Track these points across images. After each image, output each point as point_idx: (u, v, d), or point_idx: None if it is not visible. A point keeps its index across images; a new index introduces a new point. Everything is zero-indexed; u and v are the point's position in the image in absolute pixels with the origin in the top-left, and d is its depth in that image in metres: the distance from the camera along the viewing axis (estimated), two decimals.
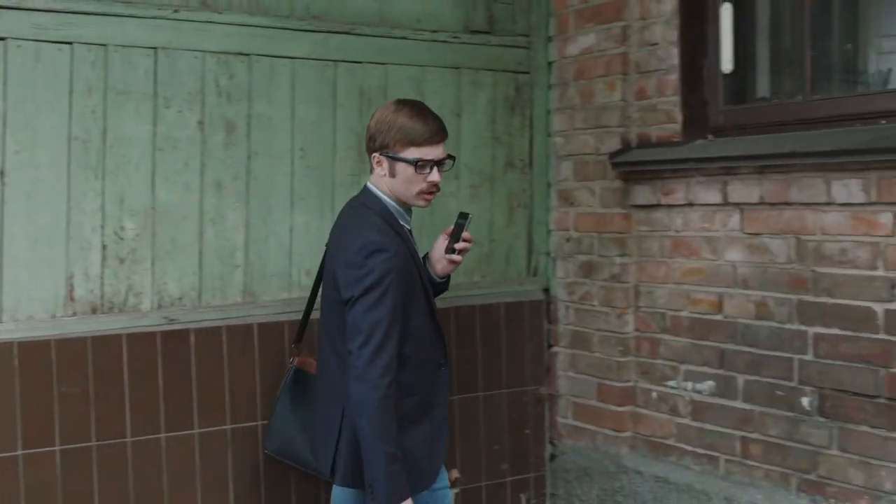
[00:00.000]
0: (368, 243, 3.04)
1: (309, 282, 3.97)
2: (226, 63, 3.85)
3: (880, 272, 3.30)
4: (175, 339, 3.74)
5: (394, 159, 3.12)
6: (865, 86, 4.02)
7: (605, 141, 4.25)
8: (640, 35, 4.14)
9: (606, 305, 4.26)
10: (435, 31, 4.28)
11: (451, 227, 3.38)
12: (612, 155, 4.17)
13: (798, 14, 3.81)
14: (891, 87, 3.89)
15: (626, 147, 4.17)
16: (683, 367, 4.00)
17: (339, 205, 3.99)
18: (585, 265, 4.36)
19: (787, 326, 3.59)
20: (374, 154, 3.16)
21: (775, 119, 3.77)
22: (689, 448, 3.99)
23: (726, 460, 3.84)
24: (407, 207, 3.24)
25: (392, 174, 3.15)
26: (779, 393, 3.63)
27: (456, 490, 4.29)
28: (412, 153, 3.13)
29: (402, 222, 3.22)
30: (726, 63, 3.93)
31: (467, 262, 4.35)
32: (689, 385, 3.97)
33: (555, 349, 4.53)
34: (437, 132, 3.16)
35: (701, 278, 3.91)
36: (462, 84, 4.35)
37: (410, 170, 3.12)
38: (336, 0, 4.07)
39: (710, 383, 3.89)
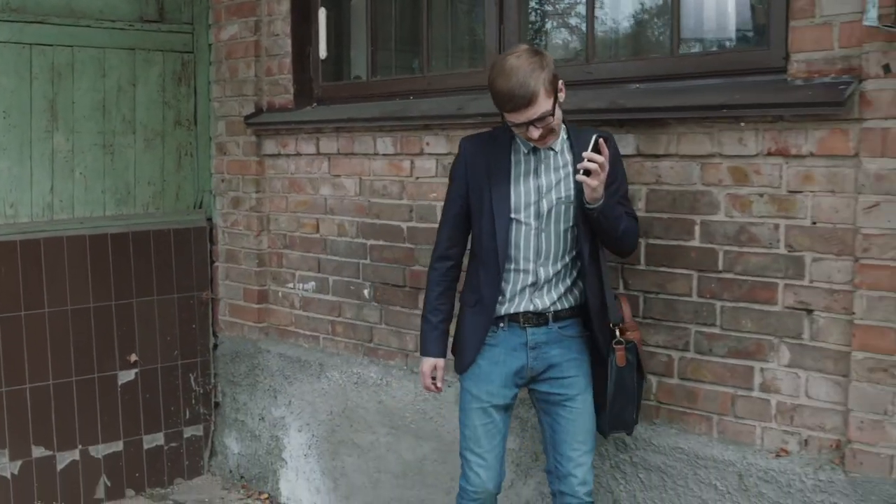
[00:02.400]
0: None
1: (13, 212, 5.24)
2: None
3: (405, 201, 4.83)
4: None
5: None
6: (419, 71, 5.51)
7: (244, 106, 5.63)
8: (268, 27, 5.53)
9: (248, 230, 5.68)
10: (114, 21, 5.55)
11: None
12: (248, 117, 5.57)
13: (362, 19, 5.28)
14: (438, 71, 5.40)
15: (258, 111, 5.57)
16: (298, 273, 5.47)
17: (36, 155, 5.30)
18: (234, 199, 5.76)
19: (356, 240, 5.10)
20: None
21: (352, 93, 5.26)
22: (302, 332, 5.48)
23: (323, 338, 5.35)
24: None
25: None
26: (352, 287, 5.15)
27: (136, 370, 5.66)
28: (506, 116, 3.43)
29: (519, 141, 3.56)
30: (322, 51, 5.37)
31: (144, 197, 5.69)
32: (301, 286, 5.45)
33: (216, 264, 5.93)
34: (514, 105, 3.34)
35: (306, 208, 5.37)
36: (137, 62, 5.64)
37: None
38: None
39: (313, 284, 5.37)
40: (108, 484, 5.57)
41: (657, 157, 3.83)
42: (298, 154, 5.37)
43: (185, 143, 5.87)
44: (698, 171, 3.72)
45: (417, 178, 4.75)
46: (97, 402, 5.53)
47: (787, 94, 3.43)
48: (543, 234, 3.55)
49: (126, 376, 5.63)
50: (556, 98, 3.39)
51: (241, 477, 5.80)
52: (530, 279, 3.57)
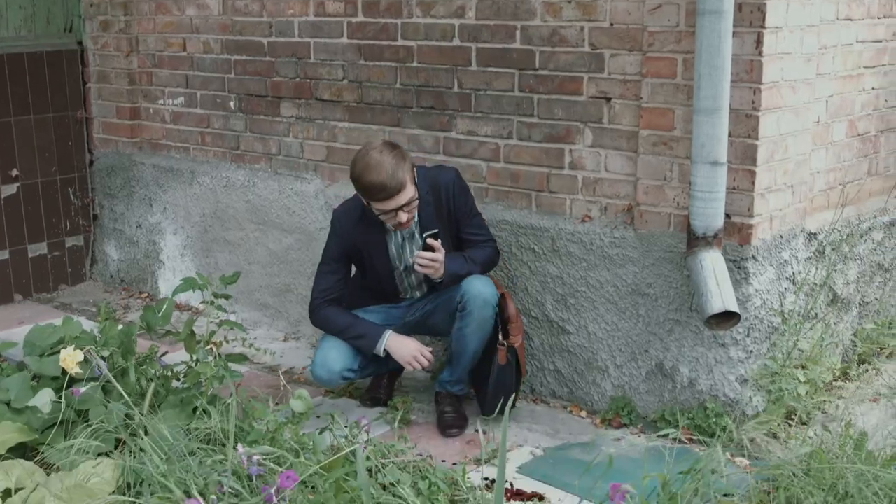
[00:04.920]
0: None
1: None
2: None
3: (265, 18, 5.32)
4: None
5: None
6: None
7: None
8: None
9: (118, 51, 6.09)
10: None
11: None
12: None
13: None
14: None
15: None
16: (167, 90, 5.93)
17: None
18: (104, 23, 6.13)
19: (221, 56, 5.58)
20: None
21: None
22: (173, 144, 5.98)
23: (193, 148, 5.86)
24: None
25: None
26: (218, 100, 5.66)
27: (18, 184, 6.09)
28: (373, 205, 3.86)
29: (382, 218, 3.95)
30: None
31: (16, 20, 6.02)
32: (171, 101, 5.92)
33: (88, 85, 6.33)
34: (386, 194, 3.76)
35: (173, 28, 5.80)
36: None
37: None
38: None
39: (182, 99, 5.86)
40: None
41: None
42: None
43: None
44: None
45: None
46: None
47: None
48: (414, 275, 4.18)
49: (8, 190, 6.06)
50: (415, 184, 3.90)
51: (122, 280, 6.35)
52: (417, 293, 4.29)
